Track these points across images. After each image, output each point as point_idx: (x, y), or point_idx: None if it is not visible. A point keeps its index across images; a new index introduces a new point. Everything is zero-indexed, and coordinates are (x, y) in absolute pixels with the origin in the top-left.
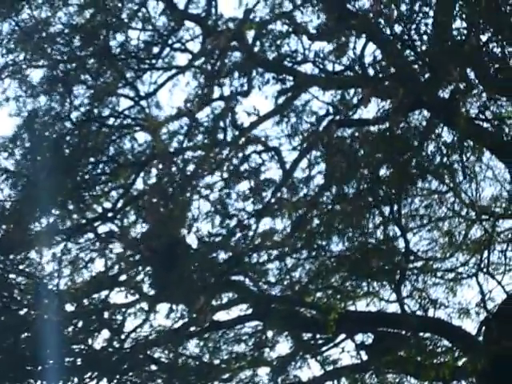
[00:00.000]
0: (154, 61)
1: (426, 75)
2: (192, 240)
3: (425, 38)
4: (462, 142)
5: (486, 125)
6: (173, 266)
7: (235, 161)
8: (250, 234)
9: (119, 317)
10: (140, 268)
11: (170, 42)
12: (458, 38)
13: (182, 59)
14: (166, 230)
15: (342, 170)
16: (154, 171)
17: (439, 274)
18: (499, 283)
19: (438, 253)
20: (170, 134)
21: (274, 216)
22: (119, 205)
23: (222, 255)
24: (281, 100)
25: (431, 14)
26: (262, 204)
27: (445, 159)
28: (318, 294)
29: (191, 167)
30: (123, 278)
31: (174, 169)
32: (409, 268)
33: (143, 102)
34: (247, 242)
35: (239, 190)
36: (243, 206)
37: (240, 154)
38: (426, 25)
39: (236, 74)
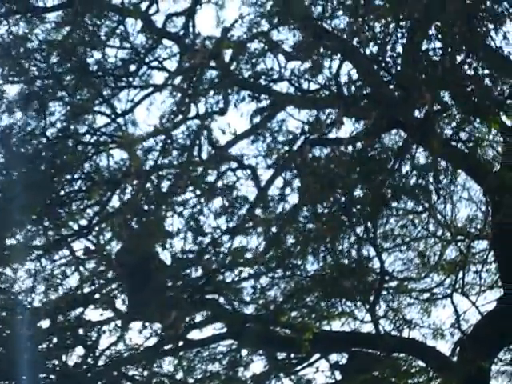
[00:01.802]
0: (131, 79)
1: (401, 96)
2: (166, 257)
3: (399, 58)
4: (437, 162)
5: (460, 146)
6: (146, 283)
7: (210, 178)
8: (224, 251)
9: (94, 334)
10: (114, 285)
11: (147, 60)
12: (433, 58)
13: (159, 77)
14: (139, 247)
15: (317, 190)
16: (129, 188)
17: (414, 295)
18: (473, 304)
19: (413, 273)
20: (146, 152)
21: (248, 234)
22: (95, 222)
23: (196, 272)
24: (257, 119)
25: (406, 34)
26: (236, 221)
27: (420, 180)
28: (293, 314)
29: (166, 184)
30: (98, 294)
31: (148, 186)
32: (384, 288)
33: (120, 120)
34: (220, 260)
35: (213, 207)
36: (217, 223)
37: (215, 172)
38: (401, 45)
39: (212, 92)
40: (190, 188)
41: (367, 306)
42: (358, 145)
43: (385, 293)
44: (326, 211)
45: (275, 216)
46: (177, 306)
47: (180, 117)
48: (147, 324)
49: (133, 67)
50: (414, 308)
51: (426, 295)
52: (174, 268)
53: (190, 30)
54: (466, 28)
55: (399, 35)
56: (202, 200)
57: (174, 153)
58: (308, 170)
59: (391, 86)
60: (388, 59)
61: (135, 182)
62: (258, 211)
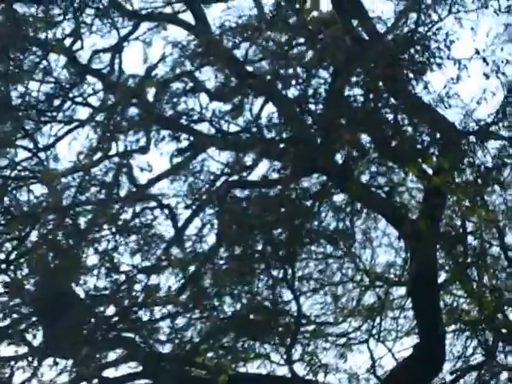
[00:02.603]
0: (54, 113)
1: (322, 139)
2: (80, 292)
3: (321, 102)
4: (355, 207)
5: (379, 191)
6: (61, 319)
7: (127, 215)
8: (139, 289)
9: (7, 370)
10: (29, 320)
11: (71, 95)
12: (354, 103)
13: (82, 113)
14: (55, 282)
15: (235, 231)
16: (47, 223)
17: (331, 339)
18: (389, 350)
19: (330, 317)
20: (65, 187)
21: (164, 272)
22: (12, 256)
23: (110, 309)
24: (178, 159)
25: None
26: (153, 260)
27: (339, 224)
28: (209, 354)
29: (84, 220)
30: (12, 330)
31: (66, 221)
32: (300, 331)
33: (41, 154)
34: (135, 297)
35: (129, 244)
36: (132, 261)
37: (132, 210)
38: (324, 89)
39: (134, 130)
40: (107, 226)
41: (283, 349)
42: (278, 187)
43: (301, 336)
44: (243, 252)
45: (192, 256)
46: (91, 343)
47: (101, 154)
48: (60, 360)
49: (57, 102)
50: (331, 352)
51: (343, 340)
52: (88, 304)
53: (116, 66)
54: (388, 75)
55: (321, 80)
56: (118, 237)
57: (93, 189)
58: (227, 210)
59: (312, 130)
60: (310, 102)
61: (53, 218)
62: (175, 251)
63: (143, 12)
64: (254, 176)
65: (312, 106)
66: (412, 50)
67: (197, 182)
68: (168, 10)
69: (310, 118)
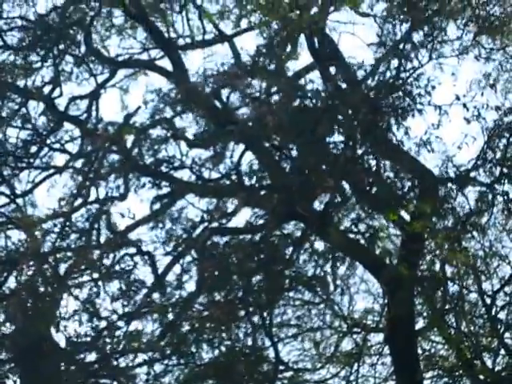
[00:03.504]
0: (31, 160)
1: (302, 186)
2: (60, 339)
3: (302, 149)
4: (334, 254)
5: (358, 238)
6: (39, 365)
7: (107, 262)
8: (119, 335)
9: None
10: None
11: (48, 141)
12: (335, 150)
13: (60, 159)
14: (33, 328)
15: (214, 277)
16: (26, 269)
17: None
18: None
19: (308, 364)
20: (44, 234)
21: (144, 319)
22: None
23: (90, 356)
24: (157, 205)
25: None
26: (132, 306)
27: (318, 270)
28: None
29: (63, 266)
30: None
31: (45, 267)
32: (278, 378)
33: (19, 200)
34: (115, 344)
35: (110, 290)
36: (113, 307)
37: (112, 256)
38: (304, 136)
39: (113, 177)
40: (87, 271)
41: None
42: (257, 234)
43: (279, 383)
44: (222, 299)
45: (172, 302)
46: None
47: (80, 200)
48: None
49: (34, 148)
50: None
51: None
52: (68, 351)
53: (93, 113)
54: (368, 121)
55: (303, 126)
56: (99, 283)
57: (73, 236)
58: (206, 257)
59: (292, 177)
60: (290, 149)
61: (32, 264)
62: (155, 297)
63: (120, 59)
64: (234, 223)
65: (292, 153)
66: (393, 96)
67: (176, 229)
68: (145, 56)
69: (289, 164)
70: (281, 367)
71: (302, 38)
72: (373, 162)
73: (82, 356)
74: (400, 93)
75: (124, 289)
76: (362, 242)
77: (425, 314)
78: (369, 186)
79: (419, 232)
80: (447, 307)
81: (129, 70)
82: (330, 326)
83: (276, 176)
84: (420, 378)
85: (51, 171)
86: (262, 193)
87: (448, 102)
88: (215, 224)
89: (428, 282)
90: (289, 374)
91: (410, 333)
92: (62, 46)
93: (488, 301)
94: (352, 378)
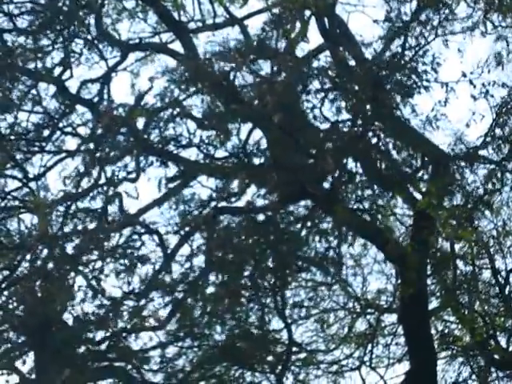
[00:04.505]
0: (43, 143)
1: (309, 165)
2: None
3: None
4: (341, 232)
5: (365, 216)
6: (50, 346)
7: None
8: (128, 314)
9: None
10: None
11: (60, 125)
12: (342, 128)
13: (72, 143)
14: (43, 309)
15: (224, 258)
16: (38, 253)
17: (322, 367)
18: (382, 377)
19: (321, 345)
20: (57, 216)
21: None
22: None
23: (99, 335)
24: (167, 186)
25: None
26: (141, 285)
27: (330, 252)
28: (201, 383)
29: (73, 248)
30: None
31: (57, 250)
32: (292, 359)
33: (32, 184)
34: (124, 323)
35: (118, 269)
36: (121, 286)
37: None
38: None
39: (124, 159)
40: (96, 252)
41: (275, 377)
42: (266, 213)
43: (292, 364)
44: (234, 280)
45: (181, 281)
46: (82, 371)
47: (91, 182)
48: None
49: (46, 132)
50: (322, 380)
51: (335, 367)
52: (76, 330)
53: (105, 96)
54: (374, 99)
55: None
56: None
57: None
58: (216, 236)
59: (300, 156)
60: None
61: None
62: (164, 275)
63: (131, 42)
64: (243, 202)
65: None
66: (399, 73)
67: (185, 209)
68: (156, 40)
69: (297, 143)
70: (294, 349)
71: (313, 21)
72: (380, 140)
73: (91, 336)
74: (406, 70)
75: (131, 267)
76: (371, 219)
77: (438, 294)
78: (377, 164)
79: (430, 210)
80: (460, 287)
81: (140, 54)
82: (343, 307)
83: (284, 154)
84: (434, 358)
85: (63, 155)
86: (270, 172)
87: (454, 80)
88: (223, 203)
89: (437, 258)
90: (302, 355)
91: (424, 313)
92: (72, 29)
93: (501, 280)
94: (366, 358)
